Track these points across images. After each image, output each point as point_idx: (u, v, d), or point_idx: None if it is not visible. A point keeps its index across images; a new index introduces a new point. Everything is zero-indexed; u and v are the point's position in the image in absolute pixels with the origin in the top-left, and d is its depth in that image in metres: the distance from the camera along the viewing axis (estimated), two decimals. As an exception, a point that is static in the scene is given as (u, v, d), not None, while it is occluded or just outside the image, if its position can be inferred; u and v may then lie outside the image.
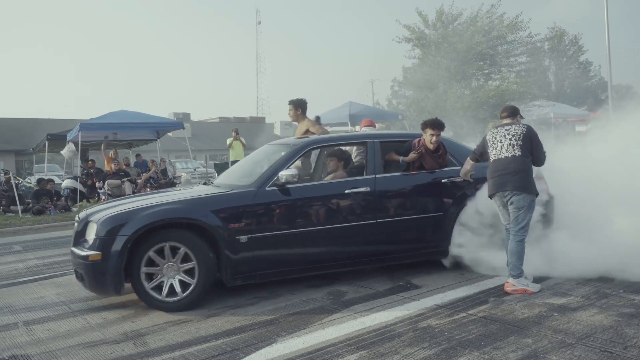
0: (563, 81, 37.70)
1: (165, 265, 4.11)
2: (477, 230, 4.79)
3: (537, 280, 4.35)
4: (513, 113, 4.53)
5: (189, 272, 4.15)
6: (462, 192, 4.89)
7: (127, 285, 4.12)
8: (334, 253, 4.63)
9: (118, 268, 3.98)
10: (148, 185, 12.70)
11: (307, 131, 6.07)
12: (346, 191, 4.61)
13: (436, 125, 4.95)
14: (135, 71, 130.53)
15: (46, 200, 11.80)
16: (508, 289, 4.17)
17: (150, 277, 4.10)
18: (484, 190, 4.58)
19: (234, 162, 11.15)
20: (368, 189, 4.66)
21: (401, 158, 4.98)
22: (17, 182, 12.76)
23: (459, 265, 4.88)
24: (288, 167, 4.53)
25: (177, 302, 4.11)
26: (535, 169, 4.40)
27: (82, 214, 4.60)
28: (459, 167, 4.91)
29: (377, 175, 4.78)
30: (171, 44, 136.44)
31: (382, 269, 4.98)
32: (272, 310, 4.04)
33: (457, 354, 3.05)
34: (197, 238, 4.16)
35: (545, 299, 3.99)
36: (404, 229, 4.79)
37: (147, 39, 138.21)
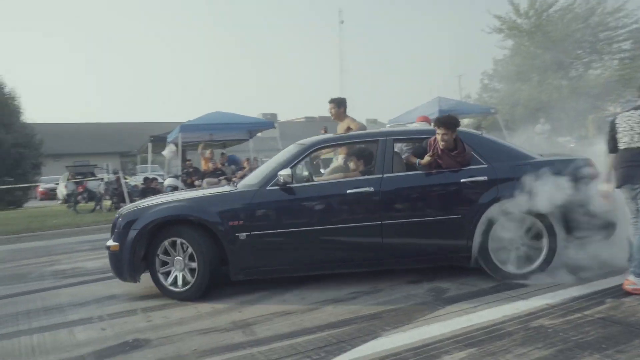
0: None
1: (175, 258, 4.53)
2: (507, 238, 4.43)
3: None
4: None
5: (193, 271, 4.50)
6: (485, 193, 4.45)
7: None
8: (336, 254, 4.55)
9: (131, 258, 4.50)
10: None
11: (348, 128, 6.13)
12: (348, 191, 4.48)
13: (445, 123, 4.55)
14: (224, 74, 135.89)
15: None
16: (628, 287, 3.88)
17: (163, 264, 4.59)
18: (514, 190, 4.35)
19: (324, 160, 11.30)
20: (372, 189, 4.46)
21: (417, 161, 4.64)
22: (125, 181, 13.77)
23: (568, 265, 4.60)
24: (292, 167, 4.60)
25: (178, 292, 4.52)
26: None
27: (121, 210, 5.09)
28: (485, 166, 4.52)
29: (385, 175, 4.55)
30: (255, 45, 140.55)
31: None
32: (373, 304, 4.05)
33: (576, 356, 2.89)
34: (198, 234, 4.46)
35: (671, 301, 3.68)
36: (415, 232, 4.48)
37: (231, 43, 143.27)
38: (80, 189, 16.51)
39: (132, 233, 4.51)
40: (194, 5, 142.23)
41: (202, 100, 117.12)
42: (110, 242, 4.66)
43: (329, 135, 5.25)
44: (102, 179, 16.42)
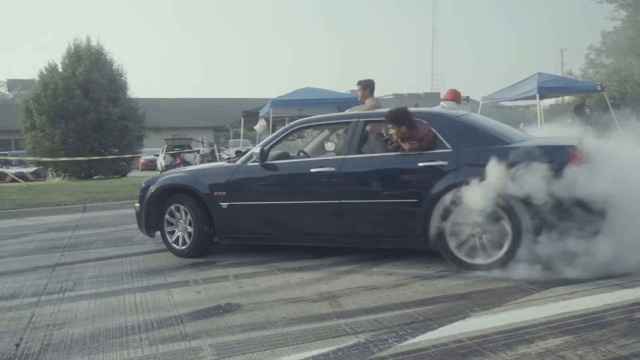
0: None
1: (179, 222, 5.29)
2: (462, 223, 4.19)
3: None
4: None
5: (190, 234, 5.20)
6: (443, 178, 4.28)
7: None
8: (303, 228, 4.89)
9: (147, 217, 5.44)
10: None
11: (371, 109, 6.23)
12: (312, 170, 4.72)
13: (390, 119, 4.55)
14: (312, 49, 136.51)
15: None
16: None
17: (169, 225, 5.37)
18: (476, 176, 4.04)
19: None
20: (333, 169, 4.65)
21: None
22: (219, 153, 14.36)
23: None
24: (271, 145, 5.03)
25: (178, 250, 5.30)
26: None
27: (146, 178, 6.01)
28: (449, 150, 4.34)
29: (347, 156, 4.69)
30: (341, 20, 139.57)
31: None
32: (462, 285, 3.95)
33: (689, 352, 2.65)
34: (194, 202, 5.13)
35: None
36: (371, 214, 4.56)
37: (321, 19, 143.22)
38: (178, 161, 17.49)
39: (147, 197, 5.42)
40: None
41: (294, 75, 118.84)
42: (136, 204, 5.63)
43: (311, 117, 5.45)
44: (197, 151, 17.26)
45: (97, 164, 20.20)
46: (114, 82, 21.58)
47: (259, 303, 3.77)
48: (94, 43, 21.82)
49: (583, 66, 25.26)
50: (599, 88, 14.76)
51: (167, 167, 17.89)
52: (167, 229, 5.35)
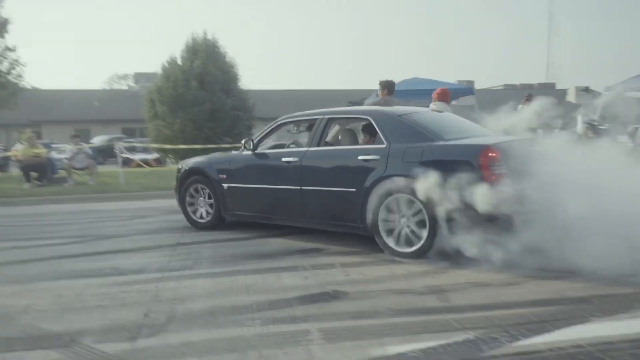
0: None
1: (199, 199, 6.51)
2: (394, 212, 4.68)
3: None
4: None
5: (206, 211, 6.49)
6: (375, 170, 4.81)
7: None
8: (280, 210, 5.70)
9: (180, 193, 6.61)
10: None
11: None
12: (283, 159, 5.56)
13: (367, 131, 5.62)
14: (424, 40, 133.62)
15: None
16: None
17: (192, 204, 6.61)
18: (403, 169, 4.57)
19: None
20: (297, 159, 5.42)
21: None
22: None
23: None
24: (261, 138, 6.00)
25: (197, 222, 6.53)
26: None
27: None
28: (383, 146, 4.87)
29: (309, 149, 5.45)
30: (451, 8, 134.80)
31: None
32: (581, 287, 3.71)
33: None
34: (209, 183, 6.27)
35: None
36: (323, 200, 5.25)
37: (429, 8, 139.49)
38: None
39: (179, 177, 6.65)
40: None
41: (401, 66, 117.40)
42: (174, 182, 6.81)
43: (295, 114, 6.12)
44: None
45: (211, 151, 21.32)
46: (227, 74, 22.64)
47: (365, 292, 3.81)
48: (209, 37, 23.03)
49: None
50: None
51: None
52: (189, 205, 6.57)
